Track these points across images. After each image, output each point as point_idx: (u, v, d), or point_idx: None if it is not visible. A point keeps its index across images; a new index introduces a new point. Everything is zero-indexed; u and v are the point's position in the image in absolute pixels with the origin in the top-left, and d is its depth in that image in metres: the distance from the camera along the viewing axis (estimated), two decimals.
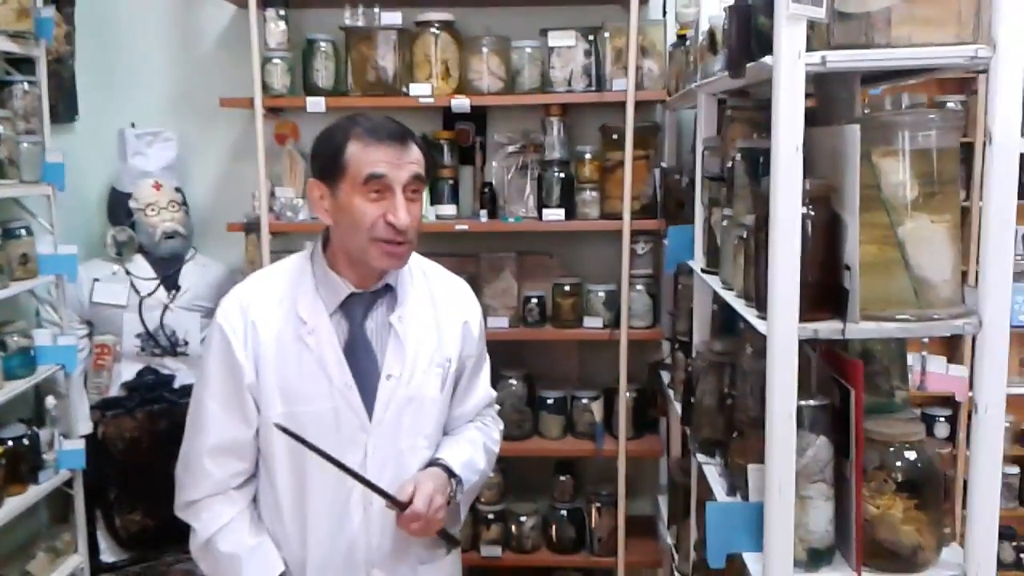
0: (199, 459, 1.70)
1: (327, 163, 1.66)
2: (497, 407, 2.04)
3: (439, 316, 1.79)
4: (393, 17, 3.11)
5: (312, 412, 1.66)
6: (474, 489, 1.85)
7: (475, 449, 1.84)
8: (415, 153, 1.67)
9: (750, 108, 2.03)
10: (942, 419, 3.45)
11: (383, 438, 1.70)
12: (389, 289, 1.75)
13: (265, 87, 3.16)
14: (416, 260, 1.85)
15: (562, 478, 3.35)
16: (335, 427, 1.67)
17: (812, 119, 1.98)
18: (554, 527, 3.30)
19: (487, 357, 1.96)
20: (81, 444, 2.90)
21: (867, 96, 2.05)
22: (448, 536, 1.75)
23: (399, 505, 1.62)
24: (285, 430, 1.61)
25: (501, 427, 2.00)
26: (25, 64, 2.80)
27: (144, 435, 3.08)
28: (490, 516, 3.31)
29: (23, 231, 2.72)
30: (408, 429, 1.73)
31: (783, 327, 1.51)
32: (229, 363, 1.68)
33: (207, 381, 1.70)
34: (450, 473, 1.73)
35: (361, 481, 1.63)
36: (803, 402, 1.56)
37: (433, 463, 1.74)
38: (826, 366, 1.69)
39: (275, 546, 1.71)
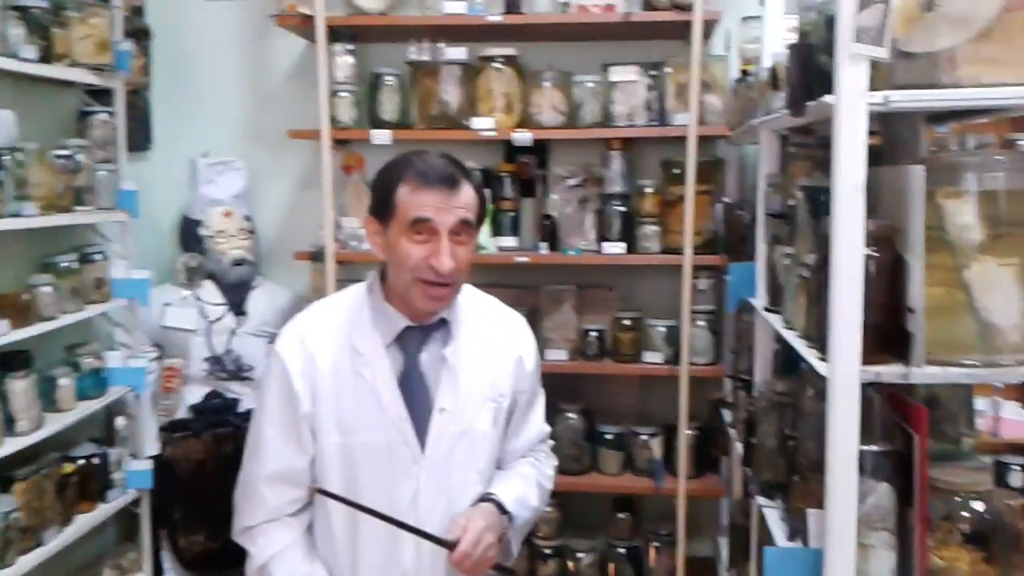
0: (256, 485, 1.73)
1: (380, 202, 1.69)
2: (552, 442, 2.02)
3: (493, 351, 1.79)
4: (458, 52, 3.17)
5: (366, 443, 1.67)
6: (526, 525, 1.84)
7: (528, 485, 1.83)
8: (464, 197, 1.66)
9: (812, 146, 2.01)
10: (1017, 468, 3.32)
11: (435, 471, 1.70)
12: (444, 323, 1.76)
13: (333, 119, 3.23)
14: (472, 294, 1.85)
15: (620, 515, 3.31)
16: (388, 458, 1.68)
17: (878, 157, 1.97)
18: (612, 565, 3.27)
19: (542, 392, 1.95)
20: (149, 465, 2.98)
21: (933, 134, 2.01)
22: (504, 570, 1.74)
23: (448, 546, 1.62)
24: (323, 491, 1.65)
25: (555, 463, 1.99)
26: (104, 95, 2.92)
27: (209, 458, 3.13)
28: (547, 551, 3.29)
29: (99, 256, 2.82)
30: (460, 463, 1.73)
31: (844, 370, 1.49)
32: (287, 392, 1.70)
33: (265, 409, 1.73)
34: (501, 509, 1.72)
35: (406, 528, 1.63)
36: (865, 447, 1.52)
37: (485, 498, 1.74)
38: (890, 411, 1.65)
39: (328, 574, 1.73)
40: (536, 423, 1.91)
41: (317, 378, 1.70)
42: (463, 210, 1.66)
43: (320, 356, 1.71)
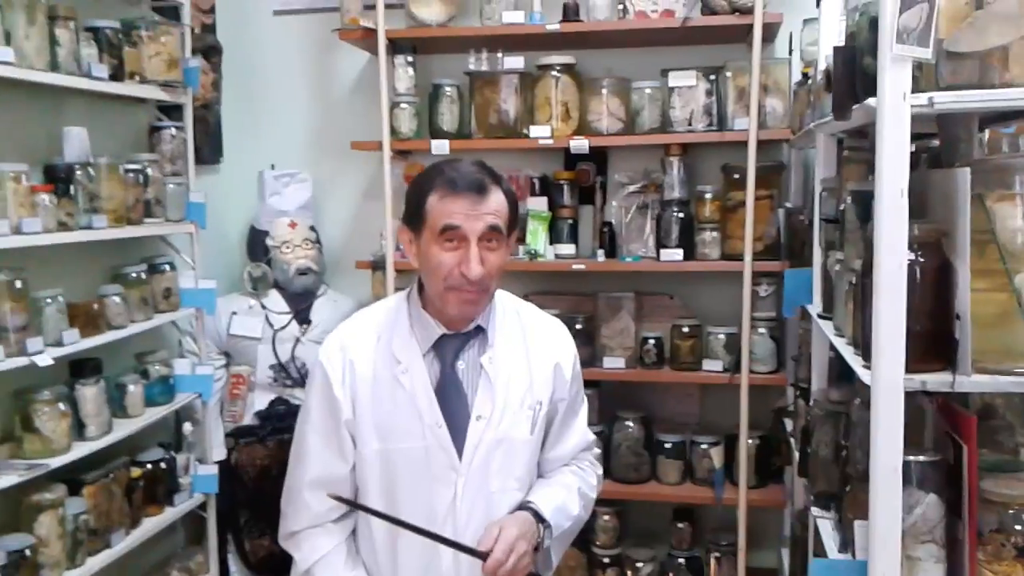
0: (300, 492, 1.76)
1: (412, 211, 1.71)
2: (598, 451, 2.01)
3: (530, 358, 1.79)
4: (515, 61, 3.19)
5: (404, 449, 1.69)
6: (568, 534, 1.83)
7: (569, 493, 1.82)
8: (494, 203, 1.67)
9: (866, 149, 1.97)
10: None
11: (473, 478, 1.71)
12: (481, 331, 1.77)
13: (393, 130, 3.28)
14: (510, 301, 1.86)
15: (680, 525, 3.28)
16: (426, 465, 1.69)
17: (937, 160, 1.92)
18: (671, 575, 3.23)
19: (584, 399, 1.94)
20: (215, 469, 3.06)
21: (996, 135, 1.95)
22: None
23: (481, 556, 1.63)
24: (341, 499, 1.67)
25: (599, 471, 1.97)
26: (174, 110, 3.02)
27: (274, 463, 3.20)
28: (606, 560, 3.27)
29: (167, 266, 2.92)
30: (498, 470, 1.73)
31: (887, 377, 1.45)
32: (328, 399, 1.73)
33: (308, 416, 1.77)
34: (539, 518, 1.72)
35: (435, 539, 1.64)
36: (911, 457, 1.48)
37: (523, 506, 1.74)
38: (942, 420, 1.60)
39: None
40: (578, 431, 1.90)
41: (357, 385, 1.73)
42: (492, 216, 1.66)
43: (360, 364, 1.74)
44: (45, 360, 2.26)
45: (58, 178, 2.42)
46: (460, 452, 1.71)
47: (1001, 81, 1.44)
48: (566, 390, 1.84)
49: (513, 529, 1.65)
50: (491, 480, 1.73)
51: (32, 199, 2.29)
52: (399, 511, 1.69)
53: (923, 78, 1.47)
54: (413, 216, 1.71)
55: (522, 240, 3.27)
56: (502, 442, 1.73)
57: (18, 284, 2.24)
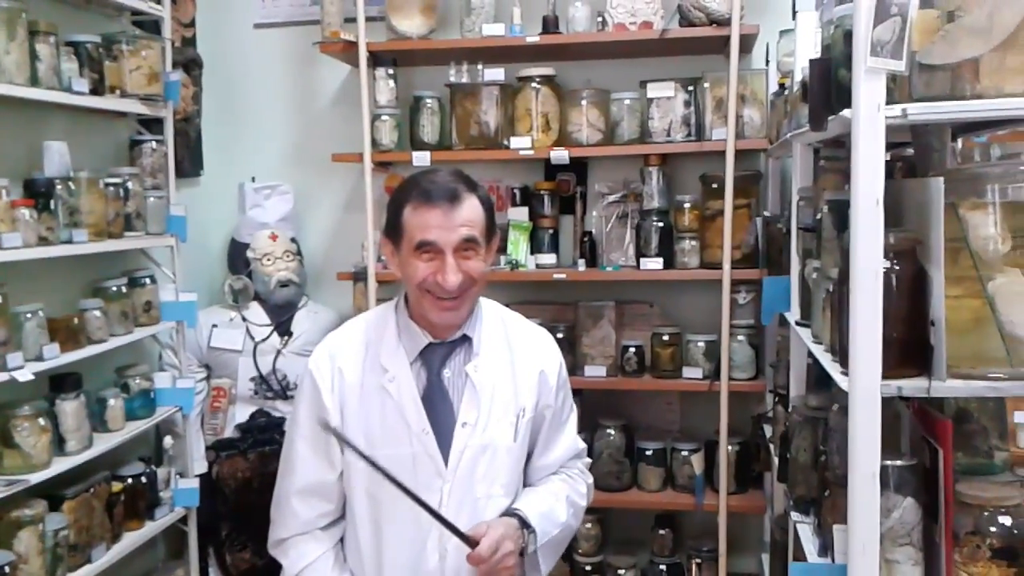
0: (288, 499, 1.78)
1: (390, 223, 1.76)
2: (588, 460, 2.03)
3: (515, 366, 1.82)
4: (496, 73, 3.21)
5: (392, 456, 1.70)
6: (558, 541, 1.85)
7: (556, 500, 1.84)
8: (467, 212, 1.69)
9: (842, 159, 2.00)
10: None
11: (459, 484, 1.73)
12: (466, 339, 1.80)
13: (375, 142, 3.30)
14: (495, 310, 1.89)
15: (661, 532, 3.29)
16: (413, 472, 1.71)
17: (911, 170, 1.95)
18: None
19: (573, 408, 1.96)
20: (196, 483, 3.04)
21: (971, 144, 1.99)
22: None
23: (468, 543, 1.65)
24: (333, 430, 1.68)
25: (590, 480, 1.99)
26: (154, 124, 3.01)
27: (255, 476, 3.19)
28: (588, 568, 3.29)
29: (148, 280, 2.90)
30: (483, 477, 1.76)
31: (864, 383, 1.48)
32: (317, 407, 1.76)
33: (297, 424, 1.79)
34: (524, 523, 1.74)
35: (432, 514, 1.65)
36: (888, 461, 1.51)
37: (509, 513, 1.76)
38: (917, 424, 1.63)
39: None
40: (567, 439, 1.92)
41: (345, 393, 1.75)
42: (466, 228, 1.69)
43: (348, 372, 1.76)
44: (25, 375, 2.25)
45: (38, 193, 2.41)
46: (446, 459, 1.73)
47: (973, 92, 1.47)
48: (552, 397, 1.86)
49: (500, 528, 1.68)
50: (476, 486, 1.75)
51: (12, 214, 2.28)
52: (385, 518, 1.72)
53: (897, 90, 1.50)
54: (392, 229, 1.75)
55: (503, 250, 3.29)
56: (487, 448, 1.75)
57: None
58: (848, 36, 1.52)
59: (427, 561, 1.72)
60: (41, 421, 2.35)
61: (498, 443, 1.77)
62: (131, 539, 2.73)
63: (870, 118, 1.46)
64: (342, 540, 1.82)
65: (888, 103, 1.45)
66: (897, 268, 1.50)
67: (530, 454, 1.88)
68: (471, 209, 1.71)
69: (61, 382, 2.49)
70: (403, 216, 1.71)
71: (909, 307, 1.50)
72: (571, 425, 1.96)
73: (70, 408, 2.47)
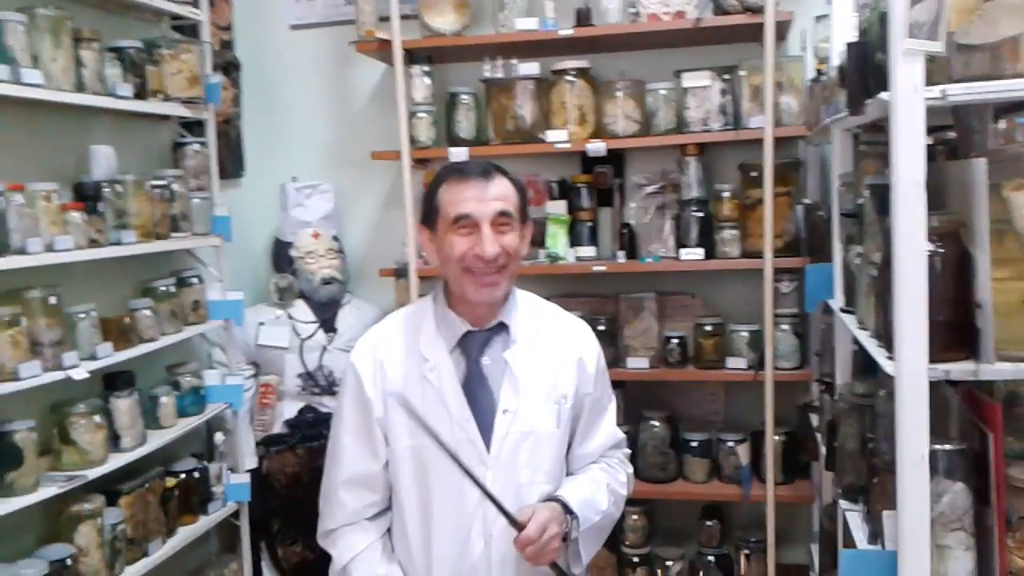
0: (335, 490, 1.81)
1: (427, 208, 1.79)
2: (628, 450, 2.04)
3: (553, 353, 1.83)
4: (530, 67, 3.22)
5: (434, 445, 1.73)
6: (600, 530, 1.86)
7: (597, 488, 1.85)
8: (499, 188, 1.74)
9: (882, 143, 1.98)
10: None
11: (501, 471, 1.75)
12: (504, 327, 1.82)
13: (412, 139, 3.32)
14: (531, 300, 1.90)
15: (708, 523, 3.29)
16: None
17: (953, 152, 1.93)
18: (702, 573, 3.25)
19: (612, 397, 1.97)
20: (247, 478, 3.10)
21: (1014, 124, 1.96)
22: (561, 572, 1.76)
23: (516, 525, 1.66)
24: (407, 405, 1.69)
25: (630, 470, 2.00)
26: (196, 126, 3.07)
27: (304, 470, 3.24)
28: (635, 559, 3.29)
29: (195, 279, 2.96)
30: (525, 463, 1.77)
31: (911, 368, 1.47)
32: (360, 399, 1.78)
33: (342, 417, 1.82)
34: (567, 509, 1.75)
35: (485, 493, 1.66)
36: (937, 446, 1.50)
37: (551, 499, 1.77)
38: (966, 409, 1.62)
39: (403, 575, 1.79)
40: (606, 428, 1.93)
41: (387, 384, 1.78)
42: (500, 202, 1.73)
43: (390, 363, 1.79)
44: (80, 374, 2.31)
45: (87, 196, 2.47)
46: (488, 445, 1.75)
47: (1013, 71, 1.45)
48: (591, 384, 1.87)
49: (546, 512, 1.69)
50: (519, 472, 1.76)
51: (63, 217, 2.34)
52: (431, 505, 1.74)
53: (935, 71, 1.48)
54: (427, 212, 1.79)
55: (542, 244, 3.30)
56: (529, 435, 1.77)
57: (52, 300, 2.29)
58: (884, 19, 1.51)
59: (472, 547, 1.74)
60: (96, 418, 2.41)
61: (540, 429, 1.78)
62: (185, 533, 2.79)
63: (908, 100, 1.45)
64: (389, 530, 1.84)
65: (927, 85, 1.44)
66: (941, 251, 1.48)
67: (571, 443, 1.89)
68: (504, 186, 1.75)
69: (114, 380, 2.56)
70: (438, 196, 1.75)
71: (954, 290, 1.49)
72: (610, 414, 1.96)
73: (124, 406, 2.53)
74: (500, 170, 1.78)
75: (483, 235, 1.70)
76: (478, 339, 1.80)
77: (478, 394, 1.77)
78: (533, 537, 1.65)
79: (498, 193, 1.73)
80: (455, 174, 1.75)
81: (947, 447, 1.51)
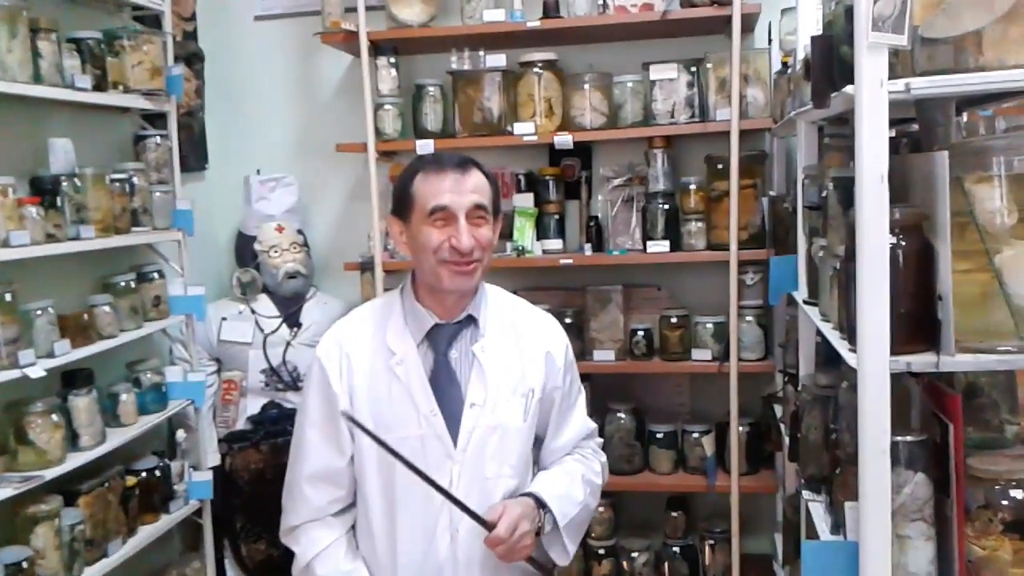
0: (299, 486, 1.79)
1: (399, 199, 1.78)
2: (600, 440, 2.04)
3: (521, 346, 1.83)
4: (497, 59, 3.20)
5: (400, 438, 1.71)
6: (579, 521, 1.85)
7: (572, 480, 1.85)
8: (474, 181, 1.74)
9: (846, 136, 1.99)
10: None
11: (468, 465, 1.74)
12: (472, 320, 1.81)
13: (378, 132, 3.29)
14: (500, 293, 1.91)
15: (674, 514, 3.30)
16: (422, 453, 1.72)
17: (917, 145, 1.94)
18: (667, 564, 3.26)
19: (582, 389, 1.97)
20: (209, 475, 3.06)
21: (977, 118, 1.98)
22: (538, 565, 1.76)
23: (485, 525, 1.66)
24: (352, 419, 1.68)
25: (603, 459, 2.00)
26: (158, 119, 3.02)
27: (268, 467, 3.21)
28: (601, 551, 3.30)
29: (156, 274, 2.91)
30: (492, 457, 1.77)
31: (873, 360, 1.47)
32: (326, 393, 1.77)
33: (306, 411, 1.80)
34: (540, 503, 1.75)
35: (448, 497, 1.66)
36: (898, 437, 1.51)
37: (524, 494, 1.77)
38: (927, 400, 1.63)
39: (368, 572, 1.77)
40: (578, 420, 1.93)
41: (354, 378, 1.76)
42: (476, 195, 1.73)
43: (356, 357, 1.77)
44: (37, 372, 2.26)
45: (44, 190, 2.42)
46: (455, 440, 1.74)
47: (976, 65, 1.46)
48: (559, 378, 1.87)
49: (517, 508, 1.69)
50: (486, 466, 1.76)
51: (19, 212, 2.29)
52: (396, 501, 1.74)
53: (900, 64, 1.49)
54: (400, 203, 1.77)
55: (509, 236, 3.29)
56: (496, 429, 1.77)
57: (8, 297, 2.24)
58: (849, 12, 1.51)
59: (438, 544, 1.74)
60: (54, 417, 2.37)
61: (507, 423, 1.78)
62: (146, 532, 2.75)
63: (873, 93, 1.45)
64: (353, 527, 1.83)
65: (891, 78, 1.45)
66: (903, 244, 1.49)
67: (543, 438, 1.89)
68: (479, 179, 1.75)
69: (72, 378, 2.51)
70: (413, 187, 1.74)
71: (916, 282, 1.49)
72: (580, 406, 1.97)
73: (82, 404, 2.48)
74: (475, 163, 1.77)
75: (460, 227, 1.70)
76: (446, 332, 1.79)
77: (445, 388, 1.76)
78: (503, 537, 1.65)
79: (474, 185, 1.73)
80: (431, 165, 1.74)
81: (908, 438, 1.52)
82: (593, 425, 2.00)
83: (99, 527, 2.51)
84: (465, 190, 1.71)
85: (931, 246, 1.49)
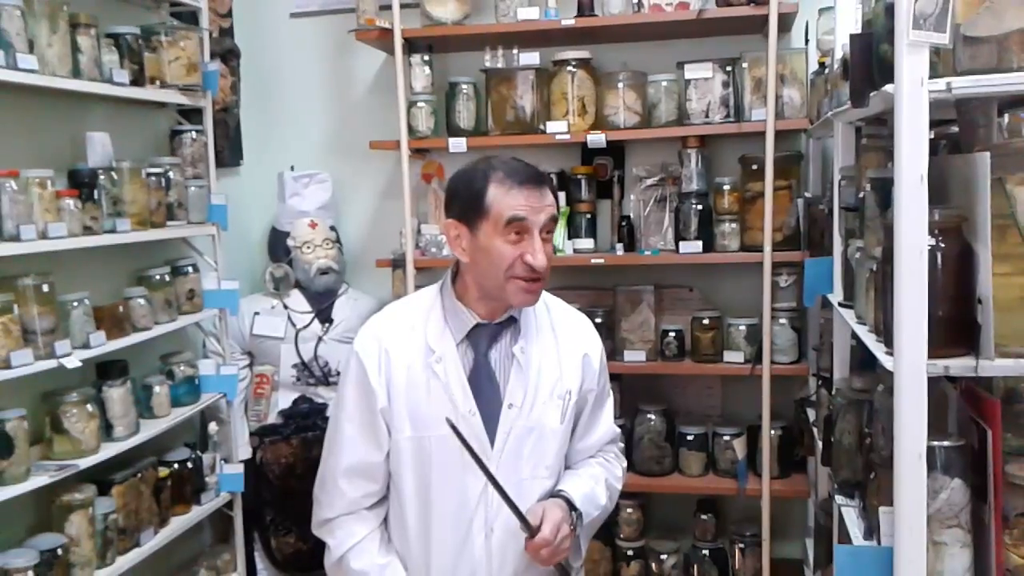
0: (334, 479, 1.79)
1: (467, 205, 1.72)
2: (622, 444, 2.03)
3: (560, 348, 1.82)
4: (531, 57, 3.20)
5: (437, 437, 1.71)
6: (594, 524, 1.86)
7: (596, 484, 1.84)
8: (550, 196, 1.73)
9: (884, 136, 1.97)
10: None
11: (504, 466, 1.73)
12: (513, 321, 1.80)
13: (411, 129, 3.30)
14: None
15: (704, 517, 3.28)
16: (459, 452, 1.70)
17: (956, 146, 1.91)
18: (696, 567, 3.24)
19: (610, 392, 1.96)
20: (240, 468, 3.09)
21: (1019, 119, 1.94)
22: (563, 567, 1.75)
23: (530, 530, 1.65)
24: (454, 428, 1.65)
25: (624, 464, 1.99)
26: (194, 114, 3.04)
27: (298, 461, 3.24)
28: (630, 553, 3.28)
29: (190, 268, 2.94)
30: (529, 458, 1.76)
31: (910, 364, 1.45)
32: (364, 388, 1.76)
33: (343, 405, 1.80)
34: (571, 506, 1.74)
35: (504, 498, 1.65)
36: (935, 442, 1.48)
37: (555, 495, 1.76)
38: (965, 405, 1.60)
39: (402, 566, 1.78)
40: (605, 423, 1.93)
41: (392, 374, 1.75)
42: (551, 208, 1.72)
43: (395, 353, 1.76)
44: (73, 362, 2.29)
45: (82, 183, 2.45)
46: (492, 440, 1.74)
47: (1019, 65, 1.43)
48: (595, 381, 1.86)
49: (557, 511, 1.69)
50: (522, 467, 1.75)
51: (57, 204, 2.32)
52: (432, 498, 1.73)
53: (941, 63, 1.46)
54: (468, 210, 1.72)
55: None
56: (533, 430, 1.76)
57: (45, 288, 2.27)
58: (890, 10, 1.50)
59: (473, 539, 1.73)
60: (89, 407, 2.40)
61: (544, 424, 1.77)
62: (178, 523, 2.77)
63: (913, 93, 1.43)
64: (386, 520, 1.83)
65: (931, 77, 1.42)
66: (942, 246, 1.47)
67: (570, 438, 1.88)
68: (550, 195, 1.74)
69: (107, 369, 2.54)
70: (487, 196, 1.69)
71: (955, 285, 1.47)
72: (609, 409, 1.96)
73: (117, 395, 2.51)
74: (546, 178, 1.76)
75: (534, 244, 1.69)
76: (487, 332, 1.79)
77: (484, 387, 1.76)
78: (549, 539, 1.65)
79: (550, 201, 1.73)
80: (510, 177, 1.69)
81: (945, 443, 1.50)
82: (617, 430, 2.00)
83: (132, 517, 2.54)
84: (543, 205, 1.70)
85: (971, 248, 1.47)
